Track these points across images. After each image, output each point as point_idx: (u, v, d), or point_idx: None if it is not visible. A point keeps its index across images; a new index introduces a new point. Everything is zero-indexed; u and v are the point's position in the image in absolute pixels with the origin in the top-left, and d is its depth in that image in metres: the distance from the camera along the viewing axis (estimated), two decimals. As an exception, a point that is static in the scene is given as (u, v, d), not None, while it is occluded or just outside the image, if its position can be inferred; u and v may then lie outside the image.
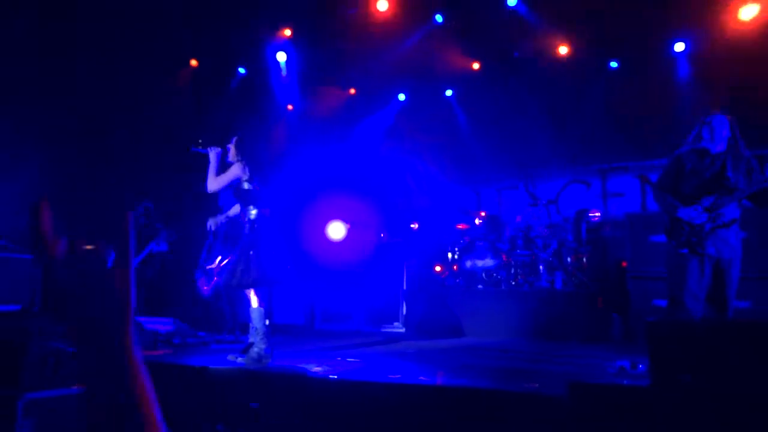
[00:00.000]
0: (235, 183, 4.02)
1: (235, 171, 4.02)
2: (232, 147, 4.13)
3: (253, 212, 4.00)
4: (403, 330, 7.36)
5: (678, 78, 7.74)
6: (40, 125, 7.97)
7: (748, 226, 4.85)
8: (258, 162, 4.08)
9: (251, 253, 3.90)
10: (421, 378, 3.33)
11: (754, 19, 6.99)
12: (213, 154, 4.11)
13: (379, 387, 3.13)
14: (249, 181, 4.00)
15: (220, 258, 5.57)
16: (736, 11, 7.04)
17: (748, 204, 3.72)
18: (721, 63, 7.18)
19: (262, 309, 3.94)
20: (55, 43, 7.88)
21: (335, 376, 3.32)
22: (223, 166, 4.14)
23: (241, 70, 9.48)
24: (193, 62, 9.07)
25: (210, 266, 5.67)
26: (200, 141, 4.39)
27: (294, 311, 7.44)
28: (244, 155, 4.06)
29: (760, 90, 6.71)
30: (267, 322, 3.98)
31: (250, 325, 3.94)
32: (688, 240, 3.57)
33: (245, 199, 4.04)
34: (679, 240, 3.61)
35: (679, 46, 7.66)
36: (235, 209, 4.44)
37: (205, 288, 5.49)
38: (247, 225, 4.00)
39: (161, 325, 5.12)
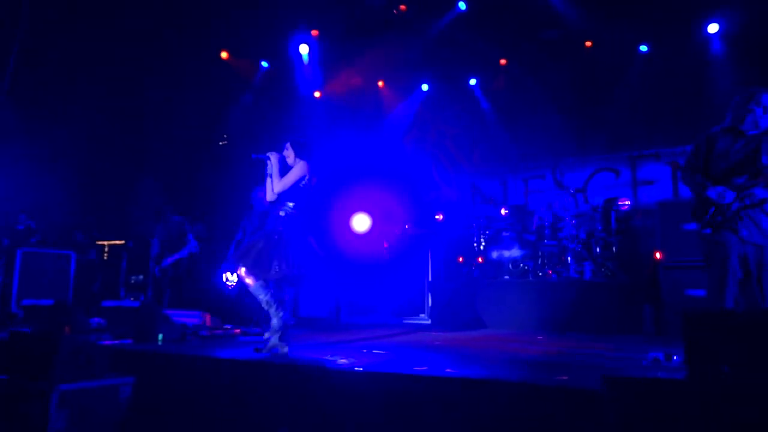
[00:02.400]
0: (295, 182, 4.07)
1: (300, 170, 4.08)
2: (288, 152, 4.18)
3: (290, 205, 4.04)
4: (428, 322, 7.33)
5: (712, 60, 7.47)
6: (74, 126, 8.14)
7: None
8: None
9: (277, 247, 3.94)
10: (448, 370, 3.29)
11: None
12: (274, 158, 4.15)
13: (405, 379, 3.10)
14: (308, 179, 4.08)
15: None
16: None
17: None
18: (759, 43, 6.91)
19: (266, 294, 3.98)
20: (90, 42, 8.01)
21: (361, 368, 3.30)
22: (283, 170, 4.18)
23: (264, 64, 9.51)
24: (224, 55, 9.10)
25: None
26: (225, 136, 4.43)
27: (319, 304, 7.46)
28: (303, 155, 4.14)
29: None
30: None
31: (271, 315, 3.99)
32: (712, 219, 3.43)
33: (294, 196, 4.08)
34: (702, 220, 3.48)
35: (713, 27, 7.40)
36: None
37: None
38: (281, 220, 4.03)
39: (189, 317, 5.18)
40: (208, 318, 5.36)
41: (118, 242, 8.19)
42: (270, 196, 4.14)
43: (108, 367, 3.61)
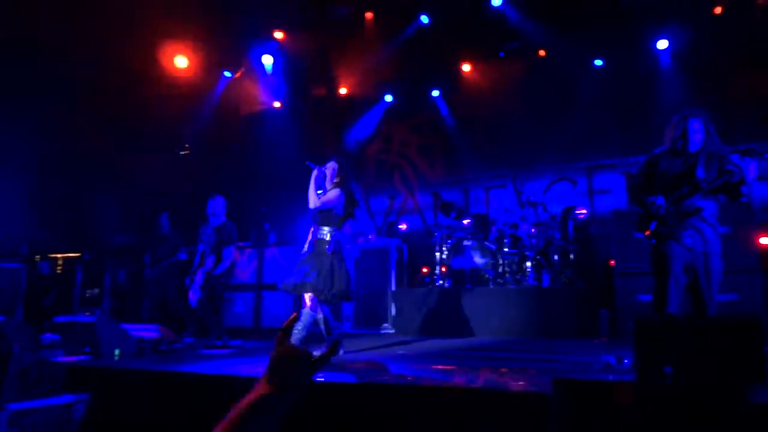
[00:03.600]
0: (327, 206, 4.42)
1: (331, 197, 4.46)
2: (328, 171, 4.58)
3: (326, 232, 4.39)
4: (392, 331, 7.35)
5: (662, 74, 7.81)
6: (26, 135, 7.84)
7: (731, 220, 4.91)
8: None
9: (330, 269, 4.31)
10: (409, 378, 3.33)
11: (731, 16, 7.12)
12: (314, 173, 4.57)
13: (367, 388, 3.11)
14: (344, 206, 4.46)
15: (201, 270, 5.57)
16: (713, 7, 7.17)
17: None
18: (703, 58, 7.28)
19: (314, 314, 4.41)
20: (48, 43, 7.74)
21: (322, 379, 3.30)
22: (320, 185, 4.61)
23: (227, 74, 9.45)
24: (183, 61, 8.96)
25: (198, 276, 5.65)
26: (187, 146, 4.44)
27: (282, 315, 7.40)
28: (343, 181, 4.53)
29: (738, 85, 6.84)
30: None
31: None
32: (654, 231, 3.64)
33: (327, 221, 4.43)
34: (646, 230, 3.68)
35: (663, 44, 7.73)
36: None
37: (193, 295, 5.47)
38: (329, 244, 4.38)
39: (147, 331, 5.07)
40: (166, 332, 5.25)
41: (72, 255, 7.93)
42: (310, 205, 4.56)
43: (61, 385, 3.50)
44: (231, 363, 4.22)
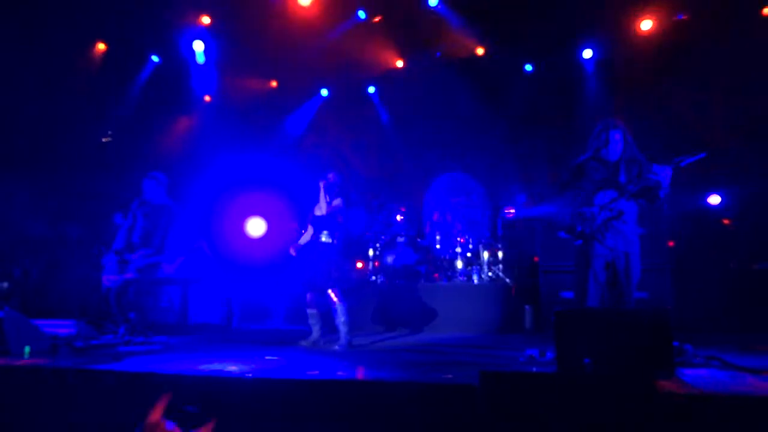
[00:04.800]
0: (335, 212, 5.10)
1: (337, 204, 5.14)
2: (332, 181, 5.23)
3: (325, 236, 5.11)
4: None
5: (586, 82, 8.24)
6: None
7: (645, 223, 5.25)
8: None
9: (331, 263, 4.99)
10: (339, 373, 3.32)
11: (651, 31, 7.61)
12: (322, 184, 5.24)
13: (296, 384, 3.08)
14: (343, 211, 5.13)
15: (144, 254, 5.21)
16: (637, 23, 7.63)
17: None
18: (625, 69, 7.74)
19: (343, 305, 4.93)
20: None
21: (250, 375, 3.24)
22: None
23: (155, 59, 9.00)
24: (101, 46, 8.45)
25: (129, 255, 5.26)
26: (110, 133, 4.15)
27: (211, 310, 7.18)
28: (342, 189, 5.23)
29: (655, 95, 7.33)
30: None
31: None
32: (582, 232, 3.88)
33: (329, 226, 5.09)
34: (574, 233, 3.93)
35: (588, 53, 8.14)
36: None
37: (113, 278, 5.13)
38: (324, 245, 5.10)
39: (61, 327, 4.76)
40: (83, 326, 4.95)
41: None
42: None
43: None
44: (152, 360, 4.05)
